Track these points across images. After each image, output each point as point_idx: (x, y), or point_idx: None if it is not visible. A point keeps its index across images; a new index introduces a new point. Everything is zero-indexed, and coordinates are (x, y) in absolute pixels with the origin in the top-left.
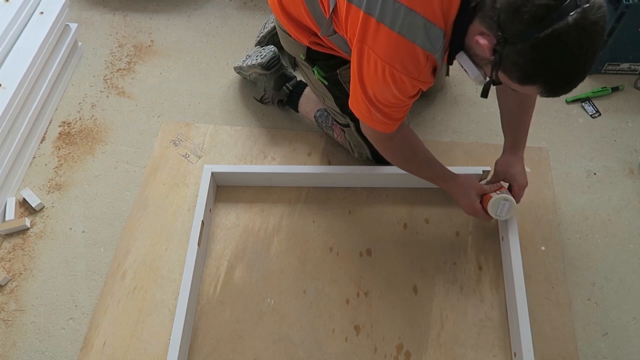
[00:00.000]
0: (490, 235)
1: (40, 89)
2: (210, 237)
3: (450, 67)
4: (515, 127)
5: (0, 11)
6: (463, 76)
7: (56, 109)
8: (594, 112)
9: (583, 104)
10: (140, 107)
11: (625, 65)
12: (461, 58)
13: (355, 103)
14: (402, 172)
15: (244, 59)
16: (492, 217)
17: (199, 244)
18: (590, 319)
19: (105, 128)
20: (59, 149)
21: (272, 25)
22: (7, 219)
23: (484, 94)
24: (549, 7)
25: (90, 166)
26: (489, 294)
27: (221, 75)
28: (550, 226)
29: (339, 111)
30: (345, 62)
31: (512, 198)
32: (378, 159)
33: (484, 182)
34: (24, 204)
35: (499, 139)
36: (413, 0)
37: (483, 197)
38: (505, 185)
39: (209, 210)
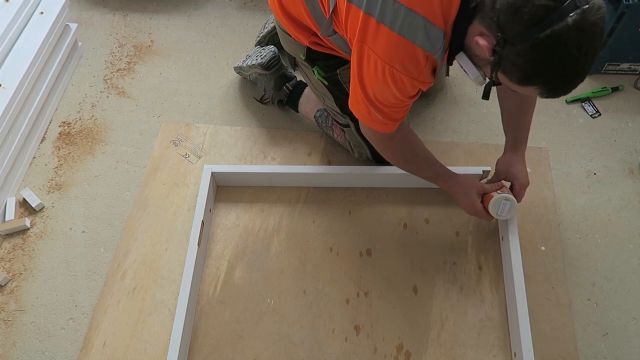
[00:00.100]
0: (490, 235)
1: (40, 89)
2: (210, 237)
3: (450, 67)
4: (516, 127)
5: (0, 11)
6: (463, 76)
7: (56, 109)
8: (594, 112)
9: (583, 104)
10: (140, 107)
11: (625, 65)
12: (461, 59)
13: (355, 103)
14: (402, 172)
15: (244, 59)
16: (493, 217)
17: (199, 244)
18: (590, 319)
19: (105, 128)
20: (59, 149)
21: (272, 25)
22: (7, 219)
23: (486, 96)
24: (549, 8)
25: (90, 166)
26: (489, 294)
27: (221, 75)
28: (550, 226)
29: (339, 111)
30: (345, 62)
31: (513, 198)
32: (378, 159)
33: (484, 180)
34: (24, 204)
35: (499, 139)
36: (413, 1)
37: (484, 197)
38: (507, 184)
39: (209, 210)
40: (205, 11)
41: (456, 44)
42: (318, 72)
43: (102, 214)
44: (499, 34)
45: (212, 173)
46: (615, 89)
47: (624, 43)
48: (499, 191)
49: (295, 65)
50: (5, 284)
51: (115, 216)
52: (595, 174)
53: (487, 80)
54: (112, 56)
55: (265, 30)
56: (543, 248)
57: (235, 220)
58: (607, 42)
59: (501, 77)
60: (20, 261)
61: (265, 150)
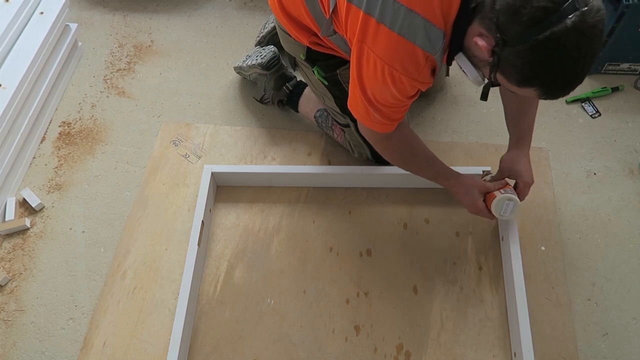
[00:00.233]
0: (490, 235)
1: (40, 89)
2: (210, 237)
3: (450, 67)
4: (519, 124)
5: (0, 11)
6: (463, 76)
7: (56, 109)
8: (594, 112)
9: (583, 104)
10: (140, 107)
11: (625, 65)
12: (460, 59)
13: (354, 103)
14: (402, 172)
15: (244, 59)
16: (495, 217)
17: (199, 244)
18: (590, 319)
19: (105, 128)
20: (59, 149)
21: (272, 25)
22: (7, 219)
23: (484, 97)
24: (548, 10)
25: (90, 166)
26: (489, 294)
27: (221, 75)
28: (550, 226)
29: (339, 111)
30: (345, 62)
31: (516, 198)
32: (378, 159)
33: (488, 177)
34: (24, 204)
35: (499, 139)
36: (413, 1)
37: (486, 196)
38: (511, 182)
39: (209, 210)
40: (205, 11)
41: (456, 45)
42: (318, 72)
43: (102, 214)
44: (498, 35)
45: (212, 173)
46: (615, 89)
47: (624, 43)
48: (502, 190)
49: (295, 65)
50: (5, 284)
51: (115, 216)
52: (595, 174)
53: (486, 81)
54: (112, 56)
55: (265, 30)
56: (543, 248)
57: (235, 220)
58: (607, 42)
59: (500, 78)
60: (20, 261)
61: (265, 150)
